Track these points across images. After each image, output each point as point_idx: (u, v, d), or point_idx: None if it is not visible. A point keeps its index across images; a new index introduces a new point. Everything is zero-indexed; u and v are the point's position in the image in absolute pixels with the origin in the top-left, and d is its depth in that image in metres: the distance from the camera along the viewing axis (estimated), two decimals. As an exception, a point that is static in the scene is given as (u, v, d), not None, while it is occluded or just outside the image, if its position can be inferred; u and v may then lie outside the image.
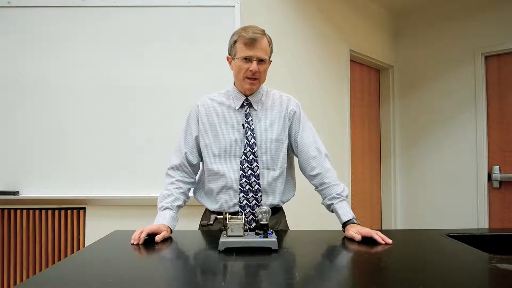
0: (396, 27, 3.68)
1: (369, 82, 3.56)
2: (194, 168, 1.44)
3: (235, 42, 1.33)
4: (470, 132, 3.16)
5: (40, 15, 2.04)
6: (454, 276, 0.86)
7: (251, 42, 1.28)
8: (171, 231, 1.27)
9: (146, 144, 2.03)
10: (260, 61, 1.31)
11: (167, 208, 1.31)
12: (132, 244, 1.14)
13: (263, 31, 1.33)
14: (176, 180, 1.39)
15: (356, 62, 3.33)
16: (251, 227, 1.33)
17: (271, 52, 1.37)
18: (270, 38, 1.36)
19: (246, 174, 1.34)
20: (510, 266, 0.91)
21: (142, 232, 1.16)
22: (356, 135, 3.31)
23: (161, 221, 1.26)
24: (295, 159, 1.50)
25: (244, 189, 1.34)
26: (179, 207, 1.36)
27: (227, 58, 1.40)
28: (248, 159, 1.34)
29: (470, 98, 3.17)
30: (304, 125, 1.43)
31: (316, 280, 0.83)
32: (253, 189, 1.34)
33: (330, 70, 2.91)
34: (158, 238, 1.17)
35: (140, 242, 1.14)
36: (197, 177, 1.49)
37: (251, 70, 1.30)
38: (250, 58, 1.30)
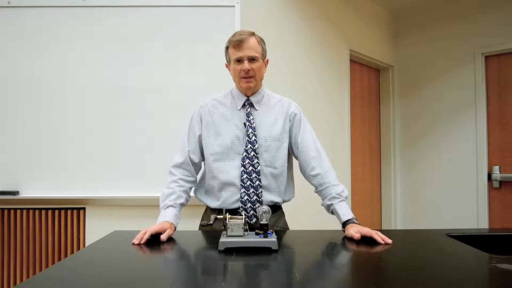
0: (396, 27, 3.68)
1: (369, 82, 3.56)
2: (196, 167, 1.46)
3: (227, 48, 1.40)
4: (470, 132, 3.16)
5: (40, 15, 2.04)
6: (454, 276, 0.86)
7: (238, 44, 1.35)
8: (175, 229, 1.28)
9: (146, 144, 2.03)
10: (252, 59, 1.36)
11: (170, 206, 1.32)
12: (133, 244, 1.14)
13: (252, 32, 1.39)
14: (178, 179, 1.40)
15: (356, 62, 3.33)
16: (251, 222, 1.35)
17: (264, 51, 1.42)
18: (260, 38, 1.42)
19: (247, 170, 1.36)
20: (510, 266, 0.91)
21: (145, 233, 1.17)
22: (356, 135, 3.31)
23: (165, 218, 1.27)
24: (295, 162, 1.51)
25: (245, 184, 1.36)
26: (181, 205, 1.37)
27: (226, 66, 1.45)
28: (249, 155, 1.36)
29: (470, 98, 3.17)
30: (305, 127, 1.47)
31: (316, 280, 0.83)
32: (254, 185, 1.36)
33: (330, 70, 2.91)
34: (163, 237, 1.18)
35: (142, 242, 1.14)
36: (198, 177, 1.50)
37: (243, 70, 1.35)
38: (241, 59, 1.35)
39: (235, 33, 1.38)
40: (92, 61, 2.05)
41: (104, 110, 2.04)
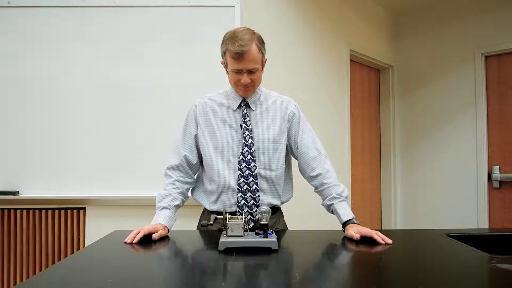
0: (396, 27, 3.68)
1: (369, 82, 3.56)
2: (194, 167, 1.44)
3: (224, 52, 1.31)
4: (470, 132, 3.16)
5: (40, 15, 2.04)
6: (454, 276, 0.86)
7: (238, 56, 1.25)
8: (168, 230, 1.28)
9: (146, 144, 2.03)
10: (251, 71, 1.29)
11: (164, 207, 1.32)
12: (125, 242, 1.14)
13: (251, 38, 1.26)
14: (175, 180, 1.39)
15: (356, 62, 3.33)
16: (249, 227, 1.33)
17: (263, 55, 1.33)
18: (260, 40, 1.30)
19: (244, 174, 1.33)
20: (510, 266, 0.90)
21: (138, 233, 1.17)
22: (356, 135, 3.31)
23: (158, 220, 1.27)
24: (293, 161, 1.50)
25: (242, 189, 1.33)
26: (177, 206, 1.37)
27: (222, 63, 1.38)
28: (246, 159, 1.34)
29: (470, 98, 3.17)
30: (304, 126, 1.43)
31: (316, 280, 0.83)
32: (251, 189, 1.34)
33: (330, 70, 2.91)
34: (155, 236, 1.18)
35: (134, 242, 1.15)
36: (195, 176, 1.49)
37: (243, 82, 1.30)
38: (240, 71, 1.29)
39: (234, 38, 1.25)
40: (92, 61, 2.05)
41: (104, 110, 2.04)
